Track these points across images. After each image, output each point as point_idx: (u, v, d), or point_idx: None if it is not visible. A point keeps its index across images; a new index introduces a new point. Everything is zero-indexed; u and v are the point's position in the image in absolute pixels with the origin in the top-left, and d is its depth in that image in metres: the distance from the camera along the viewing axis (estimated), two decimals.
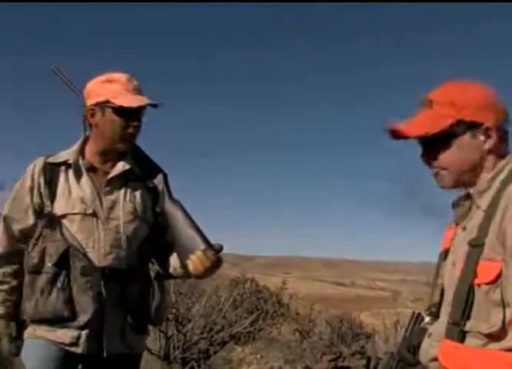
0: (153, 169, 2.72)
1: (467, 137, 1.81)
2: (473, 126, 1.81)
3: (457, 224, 1.91)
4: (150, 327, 2.83)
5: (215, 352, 9.06)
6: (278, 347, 11.93)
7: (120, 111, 2.56)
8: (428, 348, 1.87)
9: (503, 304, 1.66)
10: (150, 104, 2.59)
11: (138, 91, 2.60)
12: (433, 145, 1.85)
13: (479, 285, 1.70)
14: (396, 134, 1.87)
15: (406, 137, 1.87)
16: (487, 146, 1.81)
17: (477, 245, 1.73)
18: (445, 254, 1.94)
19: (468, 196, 1.86)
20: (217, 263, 2.51)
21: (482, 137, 1.81)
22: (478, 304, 1.70)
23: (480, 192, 1.81)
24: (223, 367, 9.48)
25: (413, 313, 2.05)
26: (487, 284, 1.67)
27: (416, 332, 1.99)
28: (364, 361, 5.04)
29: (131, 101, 2.55)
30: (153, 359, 8.28)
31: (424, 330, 1.95)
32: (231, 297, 10.05)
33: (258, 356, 11.04)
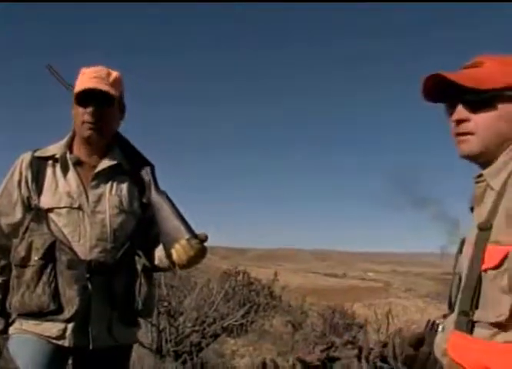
0: (140, 161, 2.71)
1: (509, 107, 1.68)
2: None
3: (472, 210, 1.78)
4: (142, 321, 2.83)
5: (207, 345, 9.07)
6: (271, 339, 11.98)
7: (77, 98, 2.58)
8: (441, 343, 1.78)
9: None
10: (107, 95, 2.57)
11: (100, 79, 2.59)
12: (471, 106, 1.71)
13: (486, 271, 1.58)
14: (438, 81, 1.72)
15: (447, 88, 1.72)
16: None
17: (485, 228, 1.62)
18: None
19: (481, 176, 1.72)
20: (201, 252, 2.50)
21: None
22: (486, 291, 1.58)
23: (494, 173, 1.68)
24: (215, 359, 9.49)
25: (428, 321, 1.96)
26: (493, 268, 1.56)
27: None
28: (356, 351, 5.06)
29: (83, 86, 2.57)
30: (145, 352, 8.28)
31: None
32: (222, 290, 10.04)
33: (251, 348, 11.08)
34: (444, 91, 1.75)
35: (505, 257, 1.54)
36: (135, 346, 2.97)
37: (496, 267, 1.56)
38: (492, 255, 1.58)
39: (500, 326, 1.55)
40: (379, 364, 4.54)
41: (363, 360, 4.81)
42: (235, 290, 11.43)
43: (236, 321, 9.96)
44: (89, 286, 2.51)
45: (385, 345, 4.52)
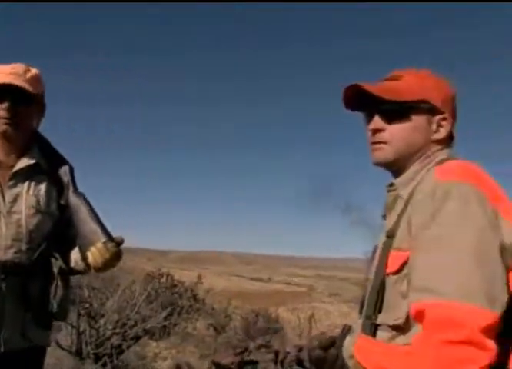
0: (59, 162, 2.69)
1: (423, 119, 1.77)
2: (433, 112, 1.78)
3: (384, 218, 1.87)
4: (61, 323, 2.81)
5: (128, 347, 8.99)
6: (194, 342, 11.95)
7: None
8: (348, 345, 1.82)
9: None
10: (23, 91, 2.54)
11: (17, 75, 2.56)
12: (387, 116, 1.79)
13: (388, 276, 1.66)
14: (356, 92, 1.80)
15: (362, 99, 1.80)
16: (436, 136, 1.78)
17: (392, 235, 1.70)
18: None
19: (392, 185, 1.81)
20: (117, 255, 2.52)
21: (434, 127, 1.78)
22: (388, 295, 1.67)
23: (404, 183, 1.77)
24: (136, 362, 9.42)
25: (344, 326, 1.97)
26: (394, 274, 1.64)
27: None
28: (272, 355, 5.09)
29: None
30: (64, 354, 8.17)
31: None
32: (145, 292, 9.99)
33: (173, 351, 11.02)
34: (363, 101, 1.82)
35: (405, 263, 1.62)
36: (54, 348, 2.95)
37: (396, 273, 1.64)
38: (393, 261, 1.66)
39: (399, 329, 1.63)
40: (295, 367, 4.59)
41: (278, 364, 4.86)
42: (158, 292, 11.38)
43: (158, 324, 9.92)
44: (3, 287, 2.48)
45: (301, 349, 4.58)
